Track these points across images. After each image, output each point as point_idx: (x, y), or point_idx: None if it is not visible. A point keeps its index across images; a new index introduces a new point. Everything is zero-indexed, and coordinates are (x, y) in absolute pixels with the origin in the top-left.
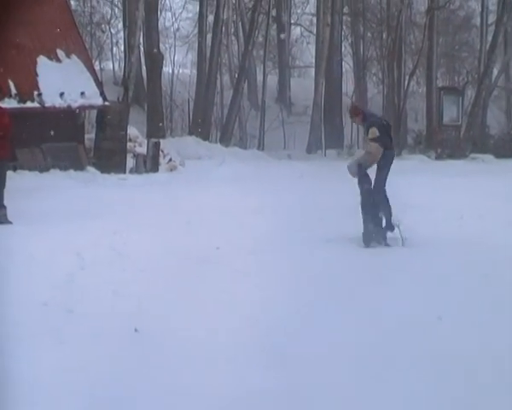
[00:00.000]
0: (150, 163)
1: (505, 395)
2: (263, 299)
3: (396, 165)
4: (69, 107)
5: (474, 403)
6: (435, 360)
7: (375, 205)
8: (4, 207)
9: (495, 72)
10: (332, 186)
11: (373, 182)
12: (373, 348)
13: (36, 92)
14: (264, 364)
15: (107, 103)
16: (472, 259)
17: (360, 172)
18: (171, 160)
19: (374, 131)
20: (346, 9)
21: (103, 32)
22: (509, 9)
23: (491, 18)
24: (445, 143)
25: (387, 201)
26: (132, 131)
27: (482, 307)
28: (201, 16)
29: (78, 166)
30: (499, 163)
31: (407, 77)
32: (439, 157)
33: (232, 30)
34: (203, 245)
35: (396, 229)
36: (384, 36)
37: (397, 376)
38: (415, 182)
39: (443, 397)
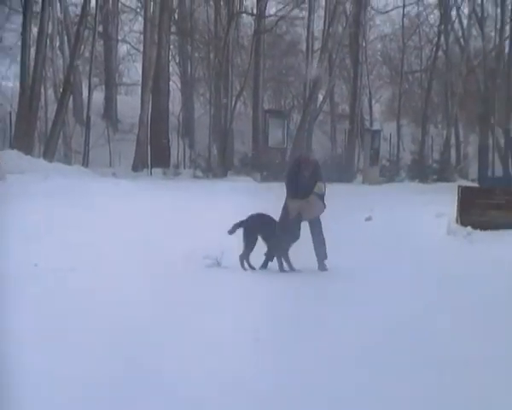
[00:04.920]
0: None
1: None
2: (79, 316)
3: (223, 186)
4: None
5: None
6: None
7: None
8: None
9: (320, 97)
10: (158, 207)
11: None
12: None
13: None
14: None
15: None
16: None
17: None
18: None
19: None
20: (173, 29)
21: None
22: (334, 36)
23: (317, 44)
24: (271, 165)
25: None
26: None
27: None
28: (25, 28)
29: None
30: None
31: (234, 98)
32: (264, 179)
33: (57, 44)
34: (21, 262)
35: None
36: (211, 57)
37: None
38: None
39: None
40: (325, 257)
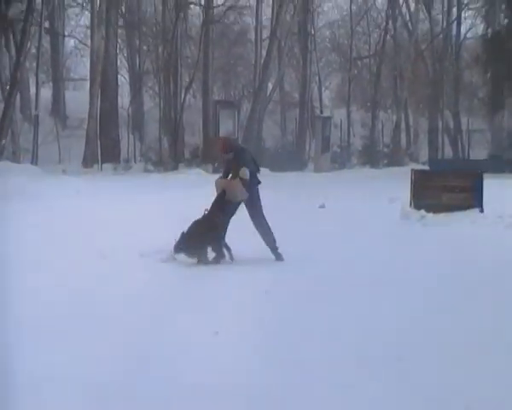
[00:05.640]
0: None
1: None
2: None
3: (174, 180)
4: None
5: None
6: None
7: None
8: None
9: (270, 86)
10: (108, 203)
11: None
12: None
13: None
14: None
15: None
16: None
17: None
18: None
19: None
20: (121, 22)
21: None
22: (282, 24)
23: (265, 33)
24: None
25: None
26: None
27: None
28: None
29: None
30: (276, 177)
31: (183, 90)
32: (216, 170)
33: (3, 41)
34: None
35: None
36: (160, 49)
37: None
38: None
39: None
40: (274, 245)
